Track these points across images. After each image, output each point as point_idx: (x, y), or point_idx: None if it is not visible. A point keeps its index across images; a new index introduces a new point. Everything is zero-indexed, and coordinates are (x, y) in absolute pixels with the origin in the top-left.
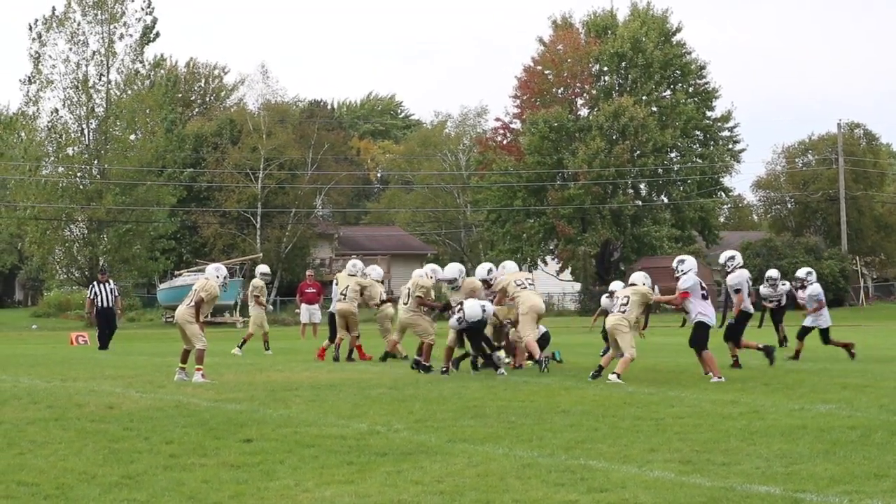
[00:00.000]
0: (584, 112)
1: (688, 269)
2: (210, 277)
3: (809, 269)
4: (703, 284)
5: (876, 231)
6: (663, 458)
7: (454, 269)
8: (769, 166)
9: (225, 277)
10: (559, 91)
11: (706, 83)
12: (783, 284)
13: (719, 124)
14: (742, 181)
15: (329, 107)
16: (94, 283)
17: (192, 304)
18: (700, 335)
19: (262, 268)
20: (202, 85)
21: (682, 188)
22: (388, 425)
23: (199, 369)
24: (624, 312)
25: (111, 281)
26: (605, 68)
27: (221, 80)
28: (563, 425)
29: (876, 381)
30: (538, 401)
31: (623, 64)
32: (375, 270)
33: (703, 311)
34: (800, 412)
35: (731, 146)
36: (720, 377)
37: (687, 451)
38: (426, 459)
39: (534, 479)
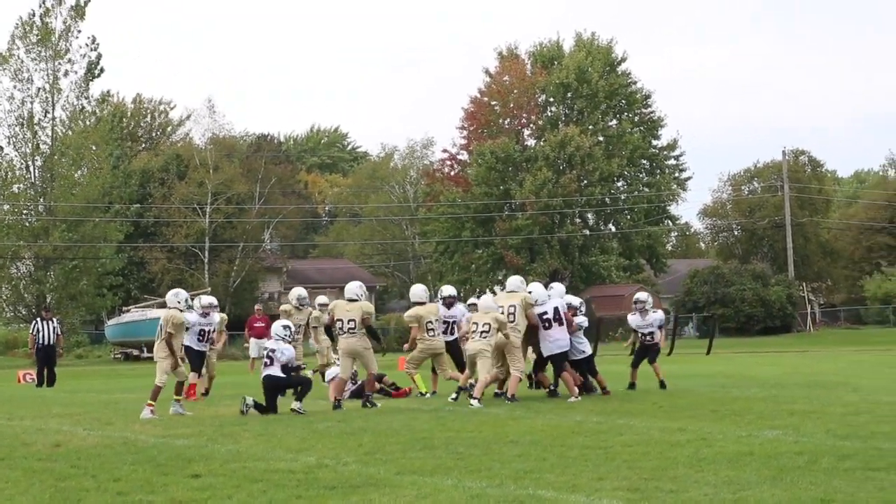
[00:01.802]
0: (530, 142)
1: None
2: (170, 304)
3: (581, 299)
4: (561, 311)
5: (822, 257)
6: (612, 487)
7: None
8: (715, 194)
9: (186, 299)
10: (506, 122)
11: (651, 112)
12: (654, 312)
13: (665, 153)
14: (689, 209)
15: (276, 140)
16: (38, 319)
17: (163, 339)
18: (558, 360)
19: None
20: (148, 120)
21: (629, 217)
22: (337, 458)
23: (149, 404)
24: (486, 338)
25: (55, 319)
26: (552, 98)
27: (167, 115)
28: (511, 455)
29: (822, 407)
30: (486, 431)
31: (569, 94)
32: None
33: (559, 337)
34: (747, 438)
35: (677, 174)
36: (577, 397)
37: (635, 479)
38: (375, 492)
39: None
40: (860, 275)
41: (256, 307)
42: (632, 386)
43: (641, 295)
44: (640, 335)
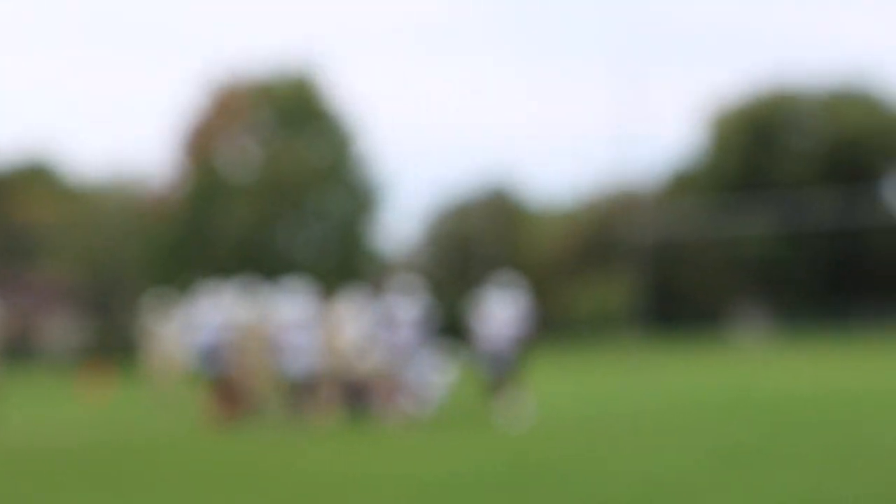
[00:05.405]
0: (236, 169)
1: None
2: None
3: None
4: None
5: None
6: None
7: None
8: (419, 229)
9: None
10: (213, 147)
11: (356, 139)
12: None
13: (369, 182)
14: (395, 245)
15: None
16: None
17: None
18: None
19: None
20: None
21: (337, 248)
22: None
23: None
24: None
25: None
26: (257, 122)
27: None
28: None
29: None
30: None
31: (274, 117)
32: None
33: None
34: (402, 462)
35: (382, 207)
36: None
37: None
38: None
39: None
40: (565, 306)
41: None
42: None
43: None
44: None
